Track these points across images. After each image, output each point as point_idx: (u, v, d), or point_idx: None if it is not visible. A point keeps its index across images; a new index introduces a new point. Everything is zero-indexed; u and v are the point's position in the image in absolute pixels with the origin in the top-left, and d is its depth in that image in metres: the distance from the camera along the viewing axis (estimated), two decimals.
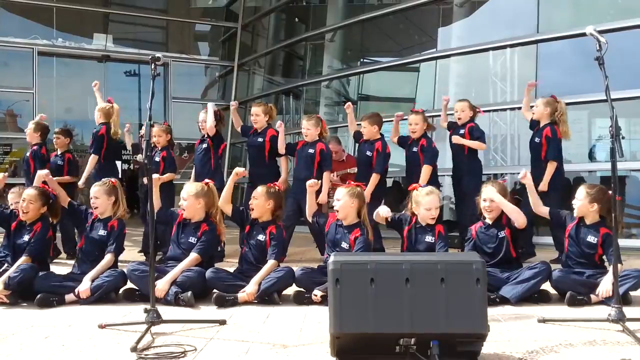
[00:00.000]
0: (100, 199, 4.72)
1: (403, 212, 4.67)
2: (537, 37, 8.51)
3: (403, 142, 6.82)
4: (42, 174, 4.88)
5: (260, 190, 4.71)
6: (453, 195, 7.60)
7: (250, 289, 4.33)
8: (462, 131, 6.66)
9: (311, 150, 6.40)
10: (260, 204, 4.67)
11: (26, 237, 4.66)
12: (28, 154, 7.17)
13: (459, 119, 6.77)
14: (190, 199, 4.68)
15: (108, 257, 4.58)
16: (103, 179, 4.94)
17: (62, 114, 13.19)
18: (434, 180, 6.29)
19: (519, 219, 4.39)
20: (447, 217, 8.54)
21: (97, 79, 7.91)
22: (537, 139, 6.27)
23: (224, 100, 14.28)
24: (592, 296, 4.17)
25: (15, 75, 12.66)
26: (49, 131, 7.39)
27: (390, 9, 10.95)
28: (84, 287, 4.35)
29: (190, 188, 4.75)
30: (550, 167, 6.08)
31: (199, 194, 4.70)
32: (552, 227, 5.94)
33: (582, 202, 4.35)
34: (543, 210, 4.58)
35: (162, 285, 4.28)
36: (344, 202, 4.51)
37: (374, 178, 6.33)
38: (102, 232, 4.69)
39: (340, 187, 4.69)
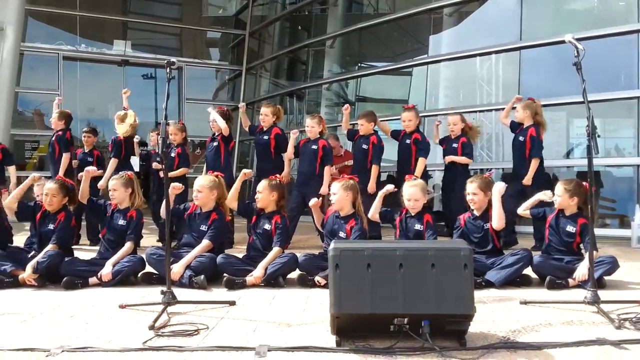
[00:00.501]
0: (118, 190, 4.72)
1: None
2: (520, 44, 8.49)
3: (395, 135, 6.87)
4: (90, 169, 4.83)
5: (263, 183, 4.72)
6: (441, 190, 7.59)
7: (257, 273, 4.34)
8: (455, 145, 6.67)
9: (314, 147, 6.44)
10: (264, 196, 4.68)
11: (51, 226, 4.66)
12: (53, 138, 7.16)
13: (452, 131, 6.77)
14: (205, 190, 4.68)
15: (128, 245, 4.60)
16: (120, 173, 4.95)
17: (85, 113, 13.15)
18: (424, 173, 6.33)
19: (498, 221, 4.39)
20: (436, 208, 8.54)
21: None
22: (521, 138, 6.31)
23: (233, 101, 14.29)
24: (570, 280, 4.18)
25: (42, 78, 12.64)
26: (72, 119, 7.41)
27: (385, 18, 10.94)
28: (106, 271, 4.36)
29: (204, 181, 4.75)
30: (535, 163, 6.13)
31: (212, 186, 4.71)
32: (534, 220, 5.97)
33: (562, 198, 4.39)
34: (524, 213, 4.61)
35: (177, 269, 4.28)
36: (339, 196, 4.53)
37: (375, 170, 6.41)
38: (121, 222, 4.70)
39: (335, 182, 4.68)
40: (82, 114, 12.79)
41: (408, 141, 6.62)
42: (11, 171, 7.14)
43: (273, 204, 4.70)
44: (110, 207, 4.78)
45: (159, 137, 3.58)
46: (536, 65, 8.41)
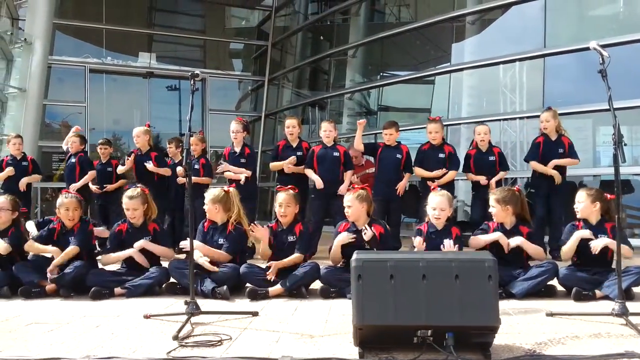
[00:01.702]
0: (138, 209, 4.68)
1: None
2: (544, 51, 8.42)
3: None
4: (140, 243, 4.65)
5: (288, 197, 4.61)
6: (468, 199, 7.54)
7: (273, 274, 4.39)
8: (492, 158, 6.52)
9: (336, 154, 6.44)
10: (291, 210, 4.62)
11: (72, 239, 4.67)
12: (74, 160, 7.30)
13: (481, 141, 6.52)
14: (208, 204, 4.68)
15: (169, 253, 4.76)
16: (132, 189, 4.82)
17: (111, 124, 13.41)
18: (450, 185, 6.25)
19: (538, 256, 4.35)
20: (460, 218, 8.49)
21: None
22: (561, 150, 6.19)
23: (255, 112, 14.42)
24: (597, 292, 4.10)
25: (69, 90, 12.92)
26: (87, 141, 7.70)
27: (408, 26, 10.95)
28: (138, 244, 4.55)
29: (208, 194, 4.72)
30: (575, 162, 6.23)
31: (214, 199, 4.66)
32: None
33: (584, 204, 4.31)
34: (569, 254, 4.38)
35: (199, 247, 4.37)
36: (354, 208, 4.44)
37: (408, 176, 6.54)
38: (147, 239, 4.68)
39: (347, 193, 4.61)
40: (107, 126, 13.04)
41: (442, 155, 6.43)
42: (35, 178, 7.37)
43: (294, 215, 4.68)
44: (120, 233, 4.74)
45: (184, 148, 3.61)
46: (561, 73, 8.33)
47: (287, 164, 6.51)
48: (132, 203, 4.67)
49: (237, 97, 15.21)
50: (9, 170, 7.19)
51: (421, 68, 11.20)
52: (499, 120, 8.97)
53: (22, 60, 10.44)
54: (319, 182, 6.32)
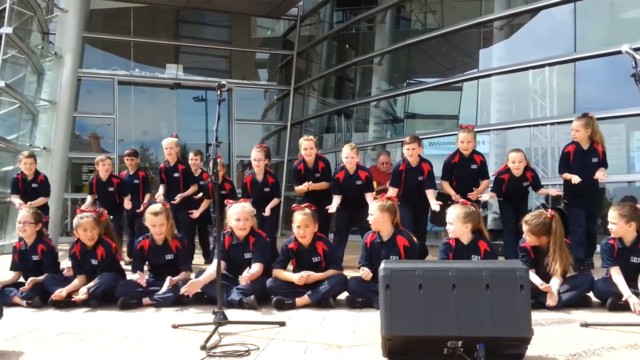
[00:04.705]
0: (164, 225, 4.71)
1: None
2: (574, 56, 8.29)
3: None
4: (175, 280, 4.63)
5: (306, 218, 4.52)
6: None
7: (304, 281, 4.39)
8: (525, 183, 6.15)
9: (359, 182, 6.24)
10: (310, 230, 4.55)
11: (94, 262, 4.68)
12: (112, 188, 7.27)
13: (516, 170, 6.01)
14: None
15: (184, 274, 4.68)
16: (155, 205, 4.86)
17: (139, 135, 13.62)
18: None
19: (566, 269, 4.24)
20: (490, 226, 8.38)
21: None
22: (594, 159, 5.87)
23: (281, 121, 14.49)
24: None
25: (98, 102, 13.17)
26: None
27: (434, 33, 10.90)
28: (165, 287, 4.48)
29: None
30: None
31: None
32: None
33: (617, 225, 4.12)
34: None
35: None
36: (375, 216, 4.43)
37: (434, 192, 6.06)
38: (169, 257, 4.74)
39: (373, 202, 4.57)
40: (135, 137, 13.24)
41: (474, 166, 6.15)
42: (40, 201, 6.79)
43: (313, 235, 4.61)
44: (142, 250, 4.77)
45: (210, 158, 3.63)
46: (592, 77, 8.20)
47: (305, 189, 6.37)
48: (159, 219, 4.69)
49: (263, 106, 15.33)
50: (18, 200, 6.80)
51: (448, 74, 11.13)
52: (529, 126, 8.85)
53: (53, 74, 10.66)
54: (335, 204, 6.16)
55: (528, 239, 4.29)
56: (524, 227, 4.31)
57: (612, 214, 4.15)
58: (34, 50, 10.96)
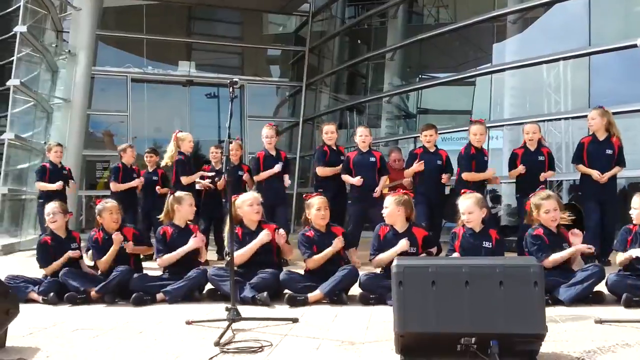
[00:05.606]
0: (192, 207, 4.92)
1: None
2: (589, 50, 8.20)
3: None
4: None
5: (324, 200, 4.68)
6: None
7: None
8: (541, 158, 6.24)
9: (372, 159, 6.40)
10: (328, 212, 4.69)
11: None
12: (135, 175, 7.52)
13: (530, 140, 6.25)
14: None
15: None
16: (178, 193, 5.00)
17: (152, 132, 13.68)
18: (480, 186, 6.07)
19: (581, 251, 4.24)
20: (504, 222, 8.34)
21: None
22: (609, 151, 5.89)
23: (293, 117, 14.49)
24: None
25: (111, 100, 13.27)
26: None
27: (447, 27, 10.86)
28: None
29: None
30: (619, 170, 5.94)
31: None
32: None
33: (639, 211, 4.14)
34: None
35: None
36: (390, 210, 4.47)
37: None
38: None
39: (389, 196, 4.61)
40: (149, 134, 13.31)
41: (486, 158, 6.32)
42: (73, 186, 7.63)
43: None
44: (165, 235, 4.82)
45: (223, 155, 3.65)
46: (607, 71, 8.11)
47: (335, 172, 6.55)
48: (188, 199, 4.89)
49: (275, 103, 15.34)
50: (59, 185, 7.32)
51: (461, 69, 11.08)
52: (544, 120, 8.77)
53: (67, 72, 10.76)
54: (357, 180, 6.27)
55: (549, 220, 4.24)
56: (542, 213, 4.26)
57: (636, 200, 4.17)
58: (48, 48, 11.05)
